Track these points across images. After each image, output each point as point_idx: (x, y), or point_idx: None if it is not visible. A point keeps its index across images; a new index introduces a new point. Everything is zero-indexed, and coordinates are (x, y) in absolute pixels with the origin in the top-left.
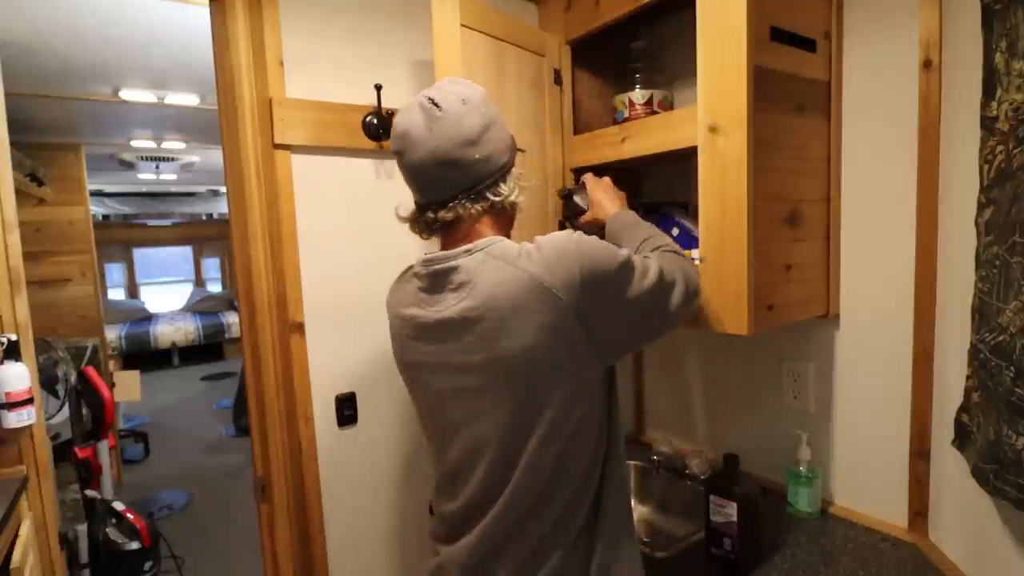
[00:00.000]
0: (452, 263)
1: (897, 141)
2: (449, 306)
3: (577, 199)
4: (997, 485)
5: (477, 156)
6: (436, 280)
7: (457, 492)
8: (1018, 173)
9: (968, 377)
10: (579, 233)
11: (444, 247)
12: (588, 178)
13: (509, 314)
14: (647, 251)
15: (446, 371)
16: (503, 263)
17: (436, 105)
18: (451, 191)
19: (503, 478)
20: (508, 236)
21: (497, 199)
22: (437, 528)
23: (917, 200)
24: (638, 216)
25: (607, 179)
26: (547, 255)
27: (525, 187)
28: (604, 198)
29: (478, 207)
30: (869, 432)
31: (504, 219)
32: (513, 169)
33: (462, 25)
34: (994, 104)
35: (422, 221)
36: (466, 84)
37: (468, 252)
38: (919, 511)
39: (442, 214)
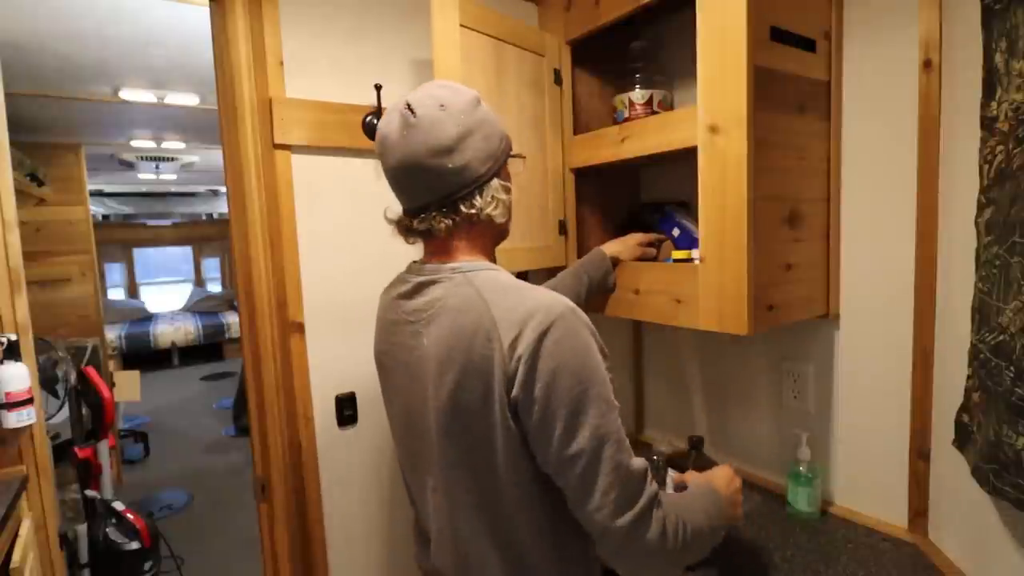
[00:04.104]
0: (433, 277)
1: (897, 141)
2: (418, 329)
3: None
4: (997, 485)
5: (450, 165)
6: (416, 290)
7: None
8: (1018, 173)
9: (968, 377)
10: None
11: (425, 254)
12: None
13: (459, 365)
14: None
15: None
16: (475, 300)
17: (412, 111)
18: (423, 199)
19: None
20: (491, 254)
21: (471, 212)
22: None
23: (917, 200)
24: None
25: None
26: (542, 342)
27: (503, 200)
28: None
29: (448, 221)
30: (869, 432)
31: (482, 234)
32: (494, 181)
33: (461, 25)
34: (994, 104)
35: (403, 226)
36: (452, 88)
37: (452, 271)
38: (919, 511)
39: (416, 224)
